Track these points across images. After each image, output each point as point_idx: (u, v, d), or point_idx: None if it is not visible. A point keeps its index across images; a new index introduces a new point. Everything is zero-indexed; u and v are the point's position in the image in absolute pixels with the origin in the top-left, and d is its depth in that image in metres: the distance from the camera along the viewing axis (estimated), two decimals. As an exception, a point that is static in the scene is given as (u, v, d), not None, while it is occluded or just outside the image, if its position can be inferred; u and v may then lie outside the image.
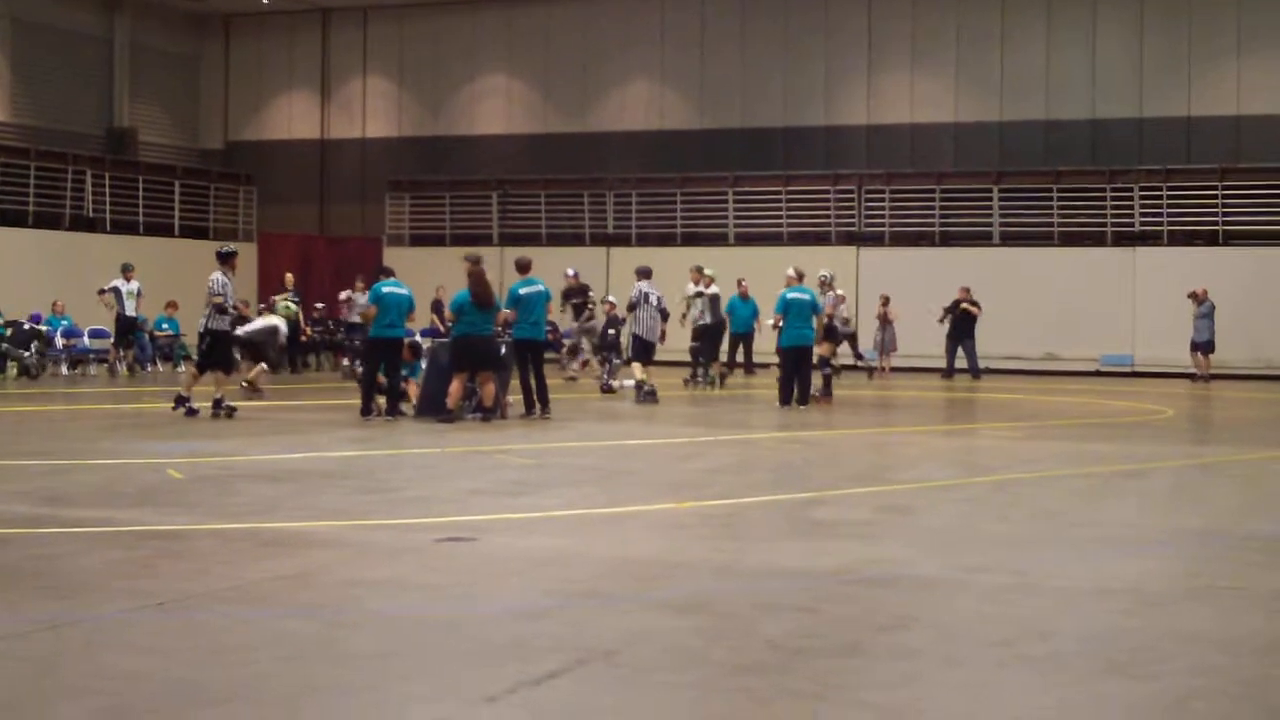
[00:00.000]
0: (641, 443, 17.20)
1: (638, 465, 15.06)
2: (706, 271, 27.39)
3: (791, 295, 22.19)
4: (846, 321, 29.86)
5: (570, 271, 30.41)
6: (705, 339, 27.20)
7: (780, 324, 22.22)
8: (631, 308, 24.05)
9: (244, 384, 23.18)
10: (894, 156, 37.45)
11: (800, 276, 22.53)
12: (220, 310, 19.37)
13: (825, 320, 23.19)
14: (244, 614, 7.69)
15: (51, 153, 35.56)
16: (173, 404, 19.58)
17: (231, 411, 19.26)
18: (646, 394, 22.91)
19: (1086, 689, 6.46)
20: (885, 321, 32.93)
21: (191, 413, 19.23)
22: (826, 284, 24.23)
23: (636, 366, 23.61)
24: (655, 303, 23.86)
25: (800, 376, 22.21)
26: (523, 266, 20.80)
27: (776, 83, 38.71)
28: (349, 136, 43.13)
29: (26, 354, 28.28)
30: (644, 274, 24.08)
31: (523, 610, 7.82)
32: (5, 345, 28.19)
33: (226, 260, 19.67)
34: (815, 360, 23.04)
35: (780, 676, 6.47)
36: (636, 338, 23.87)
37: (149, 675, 6.41)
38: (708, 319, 26.95)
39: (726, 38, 39.12)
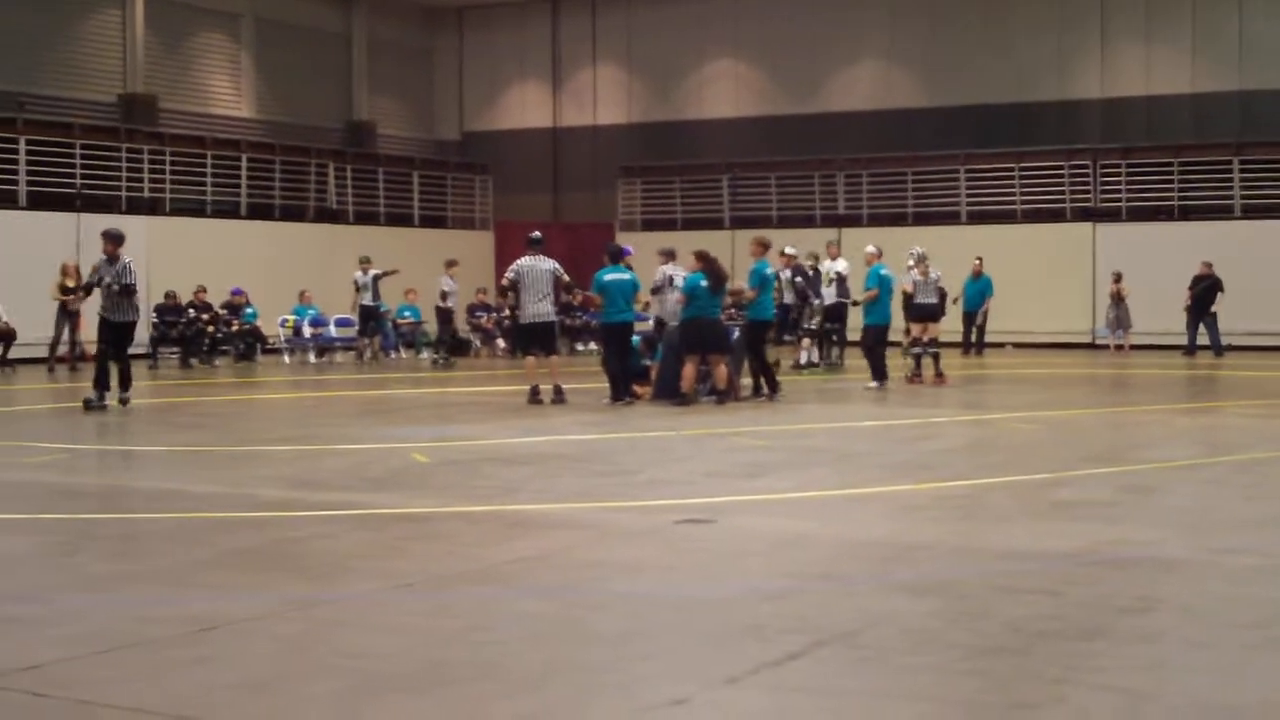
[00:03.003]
0: (873, 424, 17.11)
1: (870, 447, 15.00)
2: (788, 250, 26.09)
3: (885, 272, 22.12)
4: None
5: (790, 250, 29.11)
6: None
7: (873, 300, 22.02)
8: (656, 290, 22.03)
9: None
10: (1129, 130, 36.60)
11: (880, 254, 22.44)
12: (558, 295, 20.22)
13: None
14: (489, 594, 7.88)
15: (295, 147, 36.64)
16: (553, 395, 19.55)
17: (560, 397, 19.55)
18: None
19: (1340, 673, 6.31)
20: (1118, 299, 32.24)
21: (560, 398, 19.50)
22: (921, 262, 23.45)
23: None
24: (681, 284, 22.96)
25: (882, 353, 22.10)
26: (767, 246, 21.07)
27: (1007, 57, 38.08)
28: (580, 124, 43.58)
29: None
30: (668, 255, 22.08)
31: (761, 591, 7.88)
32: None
33: (537, 245, 20.07)
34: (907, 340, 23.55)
35: (1022, 659, 6.43)
36: (660, 321, 21.75)
37: (397, 654, 6.59)
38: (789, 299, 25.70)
39: (955, 13, 38.61)
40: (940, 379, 22.58)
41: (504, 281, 20.84)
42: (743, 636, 6.86)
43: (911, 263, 23.54)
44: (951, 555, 8.85)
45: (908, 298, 23.77)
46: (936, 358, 22.91)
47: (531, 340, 20.46)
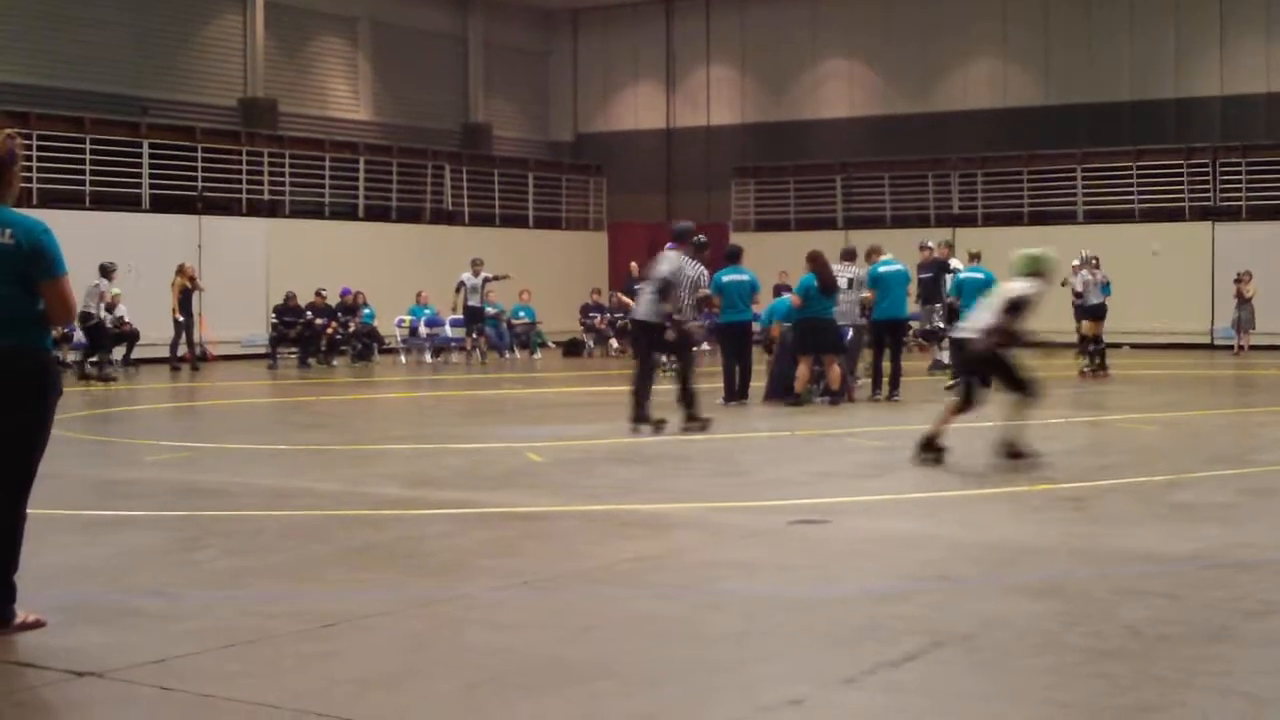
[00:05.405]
0: (990, 424, 16.95)
1: (987, 447, 14.86)
2: (930, 244, 26.39)
3: (965, 275, 21.55)
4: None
5: (931, 244, 27.22)
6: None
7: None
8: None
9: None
10: (1250, 127, 36.00)
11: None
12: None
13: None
14: (606, 593, 7.93)
15: (412, 149, 37.01)
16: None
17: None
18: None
19: None
20: (1242, 299, 31.75)
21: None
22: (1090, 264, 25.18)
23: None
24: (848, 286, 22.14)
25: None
26: (877, 249, 21.34)
27: (1124, 55, 37.64)
28: (694, 125, 43.59)
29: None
30: (846, 256, 21.42)
31: (878, 592, 7.87)
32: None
33: (702, 249, 19.37)
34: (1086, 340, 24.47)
35: (1143, 663, 6.37)
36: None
37: (517, 651, 6.66)
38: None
39: (1071, 10, 38.19)
40: (1104, 373, 24.16)
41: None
42: (859, 637, 6.86)
43: (1078, 263, 25.70)
44: (1070, 557, 8.78)
45: (1078, 297, 25.80)
46: (1103, 353, 24.50)
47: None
